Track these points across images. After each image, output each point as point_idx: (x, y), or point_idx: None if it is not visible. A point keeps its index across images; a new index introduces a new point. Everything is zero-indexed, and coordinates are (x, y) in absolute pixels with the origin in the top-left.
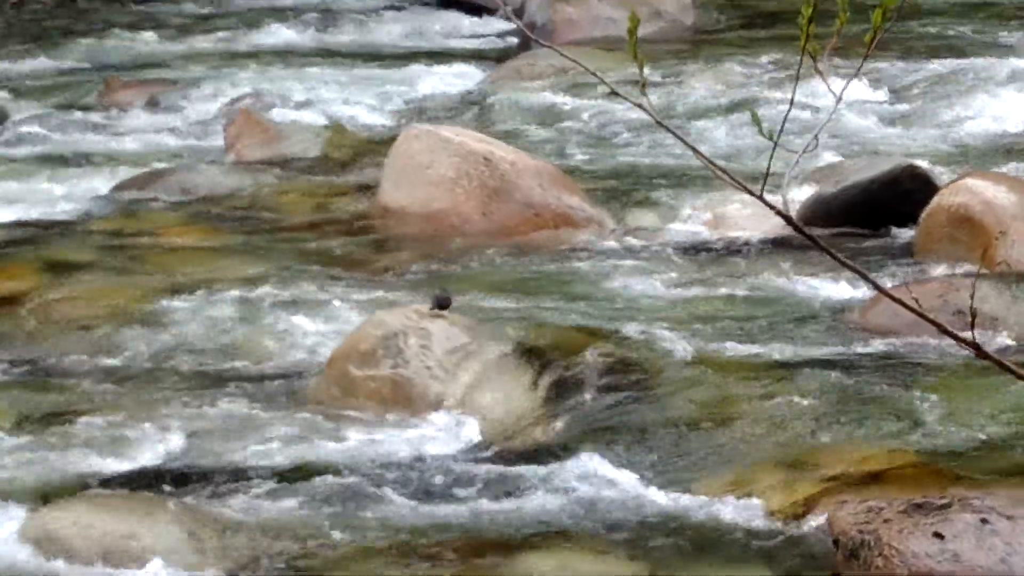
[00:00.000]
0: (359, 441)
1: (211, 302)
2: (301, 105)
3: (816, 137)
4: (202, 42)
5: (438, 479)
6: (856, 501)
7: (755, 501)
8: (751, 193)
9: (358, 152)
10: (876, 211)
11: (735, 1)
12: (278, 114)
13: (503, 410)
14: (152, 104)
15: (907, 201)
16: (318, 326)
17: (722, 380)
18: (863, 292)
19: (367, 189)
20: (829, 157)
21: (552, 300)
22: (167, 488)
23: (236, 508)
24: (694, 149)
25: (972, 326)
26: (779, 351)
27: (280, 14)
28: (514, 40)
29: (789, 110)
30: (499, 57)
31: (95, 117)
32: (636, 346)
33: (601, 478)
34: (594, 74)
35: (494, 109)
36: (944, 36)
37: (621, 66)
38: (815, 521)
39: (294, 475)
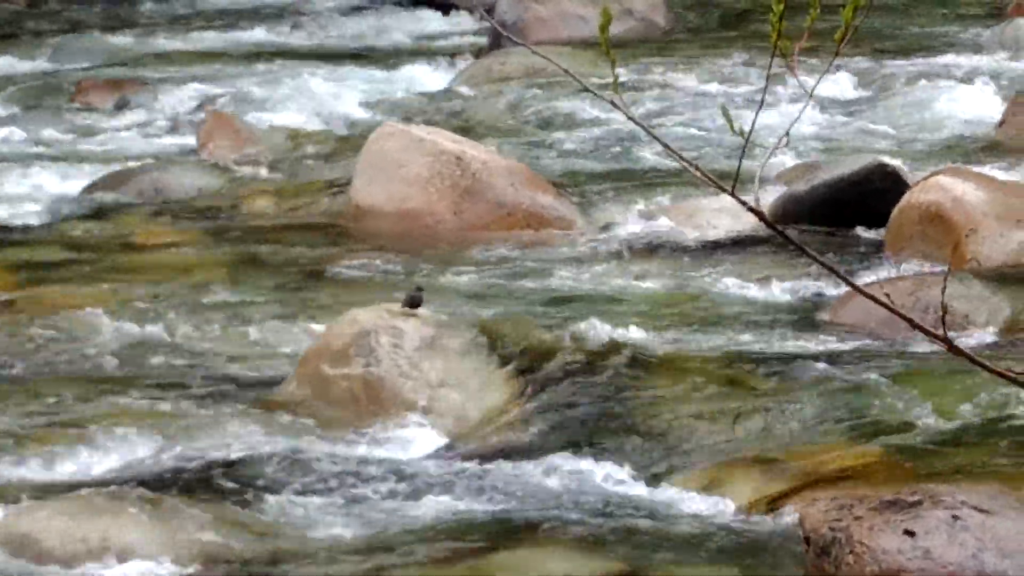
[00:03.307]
0: (331, 439)
1: (183, 302)
2: (273, 105)
3: (788, 134)
4: (174, 43)
5: (410, 477)
6: (827, 498)
7: (727, 498)
8: (723, 190)
9: (330, 151)
10: (847, 209)
11: (706, 0)
12: (250, 114)
13: (475, 408)
14: (124, 104)
15: (878, 199)
16: (290, 324)
17: (693, 377)
18: (835, 289)
19: (339, 188)
20: (801, 155)
21: (524, 299)
22: (140, 488)
23: (210, 508)
24: (666, 145)
25: (943, 322)
26: (750, 348)
27: (252, 14)
28: (484, 39)
29: (760, 108)
30: (470, 56)
31: (67, 117)
32: (608, 344)
33: (572, 475)
34: (567, 72)
35: (466, 108)
36: (913, 34)
37: (592, 65)
38: (787, 518)
39: (267, 474)
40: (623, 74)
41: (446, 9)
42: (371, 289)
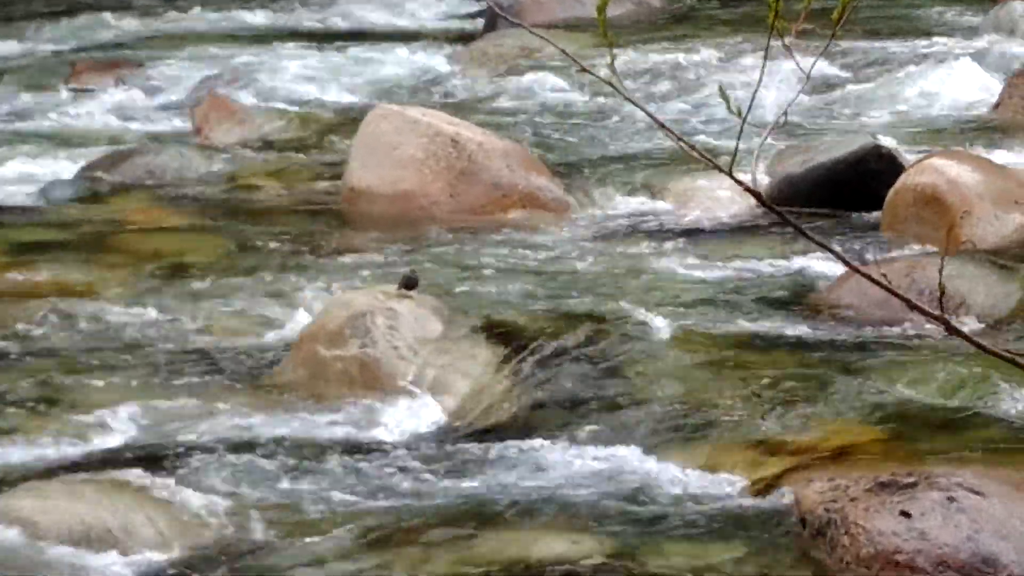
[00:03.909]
0: (327, 421)
1: (178, 283)
2: (268, 86)
3: (785, 114)
4: (170, 23)
5: (406, 459)
6: (823, 479)
7: (723, 479)
8: (720, 169)
9: (325, 133)
10: (842, 191)
11: None
12: (245, 95)
13: (470, 390)
14: (119, 85)
15: (873, 181)
16: (285, 307)
17: (689, 358)
18: (830, 270)
19: (334, 170)
20: (797, 136)
21: (519, 280)
22: (134, 471)
23: (205, 490)
24: (663, 126)
25: (940, 302)
26: (747, 329)
27: None
28: (481, 20)
29: (757, 88)
30: (466, 37)
31: (62, 99)
32: (604, 325)
33: (569, 457)
34: (564, 52)
35: (461, 89)
36: (909, 16)
37: (589, 47)
38: (782, 499)
39: (262, 457)
40: (620, 55)
41: None
42: (366, 271)
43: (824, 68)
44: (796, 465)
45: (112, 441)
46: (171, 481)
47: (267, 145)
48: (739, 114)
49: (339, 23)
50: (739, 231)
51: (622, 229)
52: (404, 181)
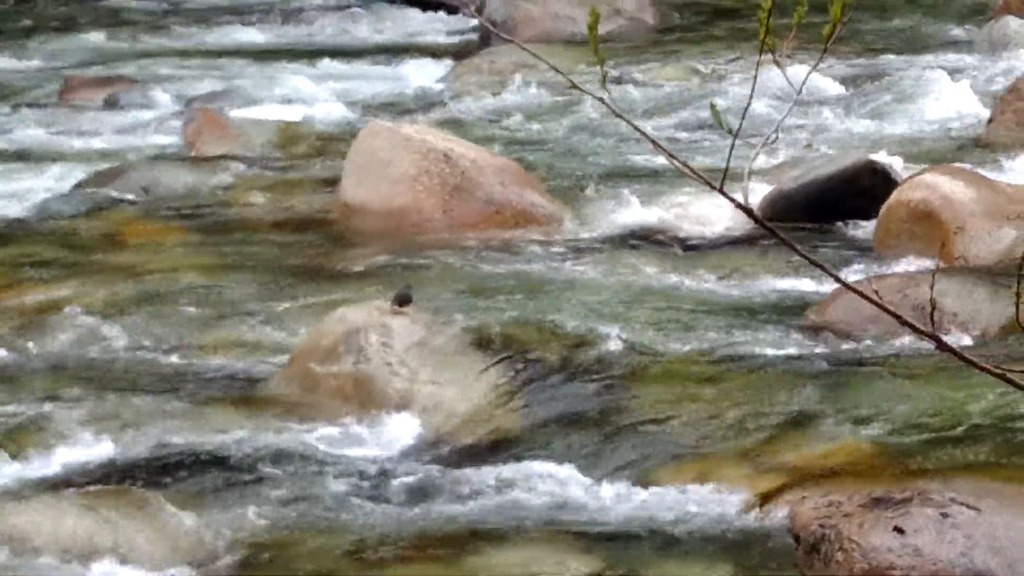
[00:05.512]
0: (320, 437)
1: (171, 299)
2: (261, 102)
3: (776, 130)
4: (162, 40)
5: (398, 475)
6: (817, 495)
7: (717, 496)
8: (712, 186)
9: (319, 149)
10: (835, 206)
11: None
12: (238, 111)
13: (463, 406)
14: (112, 102)
15: (866, 196)
16: (279, 323)
17: (682, 375)
18: (823, 287)
19: (328, 186)
20: (789, 152)
21: (512, 297)
22: (129, 485)
23: (198, 504)
24: (655, 142)
25: (932, 319)
26: (739, 346)
27: (240, 12)
28: (474, 37)
29: (748, 105)
30: (459, 54)
31: (55, 115)
32: (596, 342)
33: (561, 474)
34: (556, 69)
35: (455, 106)
36: (902, 31)
37: (581, 63)
38: (776, 516)
39: (257, 473)
40: (612, 72)
41: (435, 7)
42: (360, 287)
43: (817, 84)
44: (790, 481)
45: (104, 457)
46: (163, 496)
47: (260, 161)
48: (730, 131)
49: (332, 40)
50: (732, 248)
51: (615, 246)
52: (398, 197)
